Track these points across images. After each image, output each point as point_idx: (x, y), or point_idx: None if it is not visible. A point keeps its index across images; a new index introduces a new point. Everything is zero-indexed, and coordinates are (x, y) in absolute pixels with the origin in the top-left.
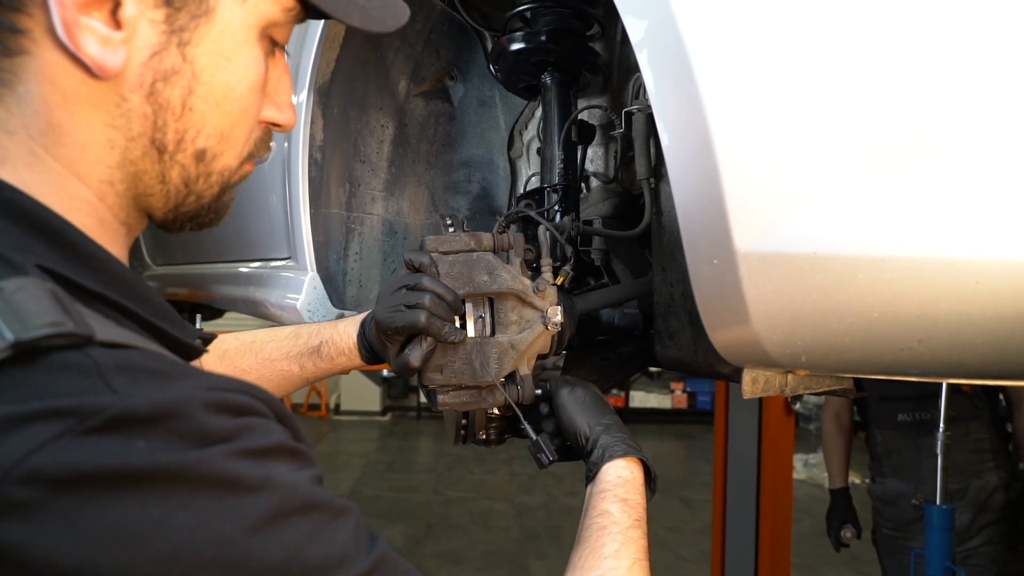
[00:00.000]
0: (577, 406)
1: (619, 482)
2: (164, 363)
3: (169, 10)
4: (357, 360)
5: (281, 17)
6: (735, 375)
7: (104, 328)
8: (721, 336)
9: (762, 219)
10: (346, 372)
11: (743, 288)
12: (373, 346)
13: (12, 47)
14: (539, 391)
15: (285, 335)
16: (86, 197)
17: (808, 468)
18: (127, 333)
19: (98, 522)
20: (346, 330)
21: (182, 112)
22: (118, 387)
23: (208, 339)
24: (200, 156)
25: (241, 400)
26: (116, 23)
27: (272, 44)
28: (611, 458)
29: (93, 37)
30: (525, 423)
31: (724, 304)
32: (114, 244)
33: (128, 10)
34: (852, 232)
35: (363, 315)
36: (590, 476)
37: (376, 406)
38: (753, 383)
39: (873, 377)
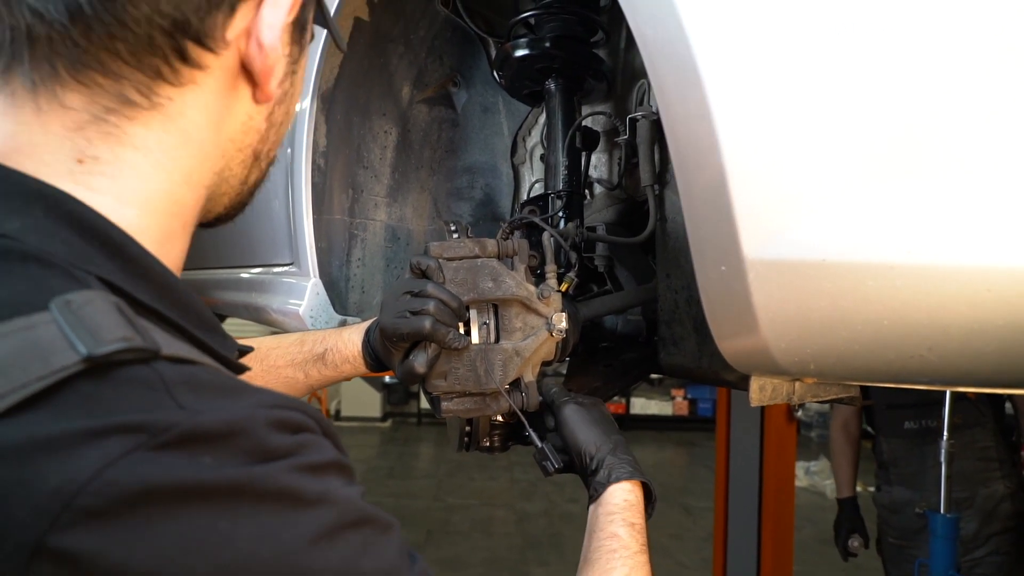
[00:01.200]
0: (584, 423)
1: (626, 505)
2: (225, 379)
3: (293, 47)
4: (362, 367)
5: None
6: (740, 382)
7: (167, 343)
8: (729, 344)
9: (771, 226)
10: (350, 379)
11: (751, 295)
12: (378, 353)
13: (185, 79)
14: (542, 397)
15: (290, 342)
16: (187, 203)
17: (810, 475)
18: (187, 347)
19: (168, 534)
20: (351, 337)
21: (280, 127)
22: (184, 403)
23: (245, 351)
24: (271, 161)
25: (297, 418)
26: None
27: None
28: (618, 480)
29: (276, 76)
30: (530, 430)
31: (732, 311)
32: (184, 244)
33: (281, 51)
34: (861, 239)
35: (367, 322)
36: (594, 496)
37: (377, 412)
38: (760, 391)
39: (881, 385)
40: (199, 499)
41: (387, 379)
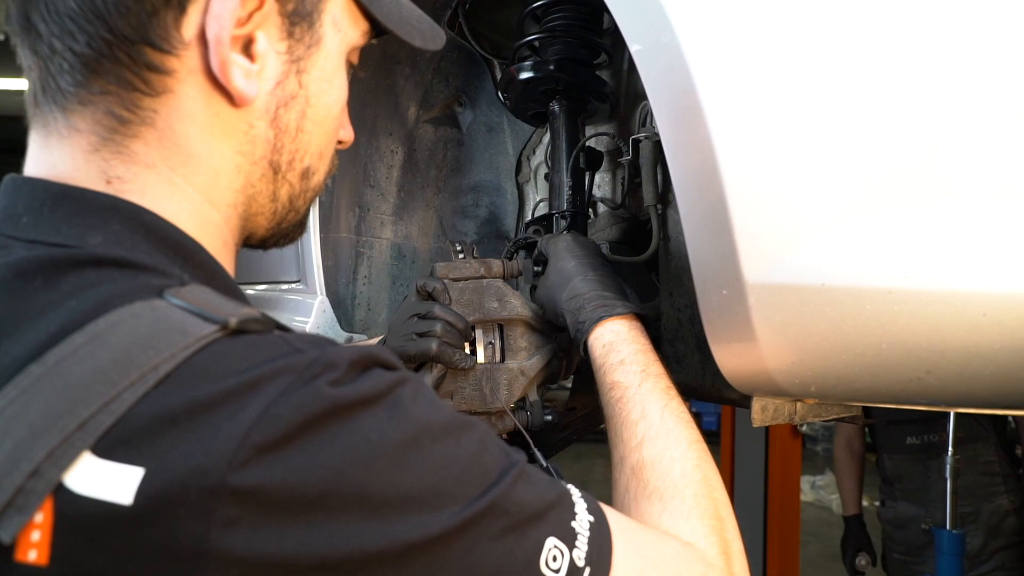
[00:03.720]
0: (554, 282)
1: (611, 347)
2: (319, 335)
3: (291, 41)
4: None
5: (360, 40)
6: (743, 401)
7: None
8: (730, 365)
9: (771, 250)
10: None
11: (752, 318)
12: None
13: (157, 87)
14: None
15: None
16: (216, 221)
17: (815, 490)
18: None
19: (332, 451)
20: None
21: (296, 134)
22: (301, 347)
23: None
24: (304, 174)
25: (392, 360)
26: (250, 57)
27: (349, 66)
28: (599, 320)
29: (239, 71)
30: (535, 449)
31: (733, 334)
32: (228, 264)
33: (260, 45)
34: (861, 264)
35: (375, 341)
36: (578, 341)
37: None
38: (763, 411)
39: (881, 406)
40: (348, 411)
41: None
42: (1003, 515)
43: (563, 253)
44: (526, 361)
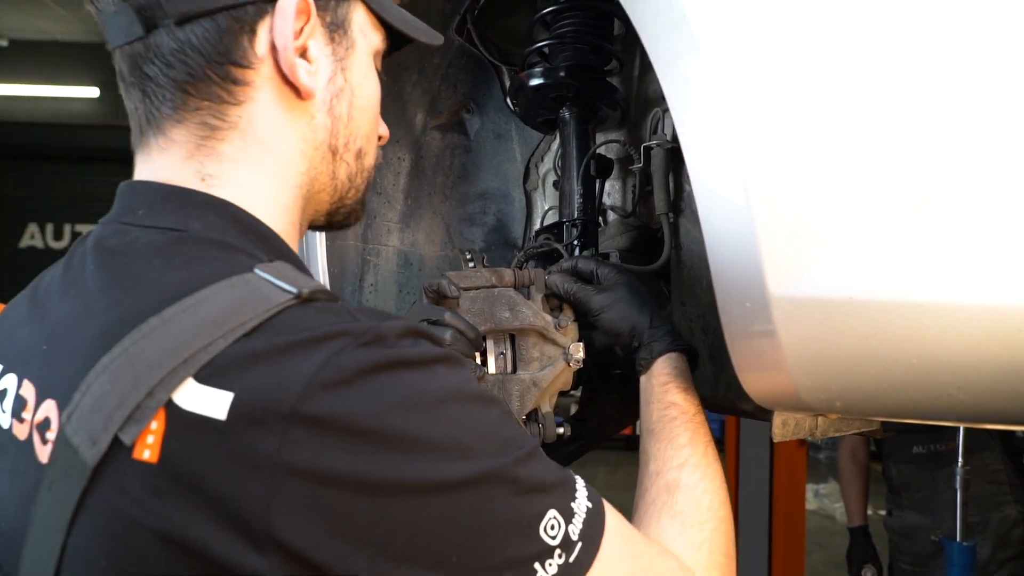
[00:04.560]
0: (618, 305)
1: (677, 373)
2: (375, 309)
3: (333, 46)
4: None
5: (381, 45)
6: (756, 412)
7: None
8: (752, 379)
9: (797, 263)
10: None
11: (777, 332)
12: None
13: (240, 97)
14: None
15: None
16: (287, 204)
17: (819, 498)
18: None
19: (380, 393)
20: None
21: (348, 120)
22: (360, 318)
23: None
24: (358, 154)
25: (437, 336)
26: (307, 60)
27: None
28: (661, 353)
29: (303, 70)
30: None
31: (756, 348)
32: (293, 242)
33: (313, 50)
34: (890, 277)
35: None
36: (642, 369)
37: None
38: (784, 426)
39: (907, 421)
40: (393, 369)
41: None
42: (1011, 525)
43: (629, 279)
44: (538, 372)
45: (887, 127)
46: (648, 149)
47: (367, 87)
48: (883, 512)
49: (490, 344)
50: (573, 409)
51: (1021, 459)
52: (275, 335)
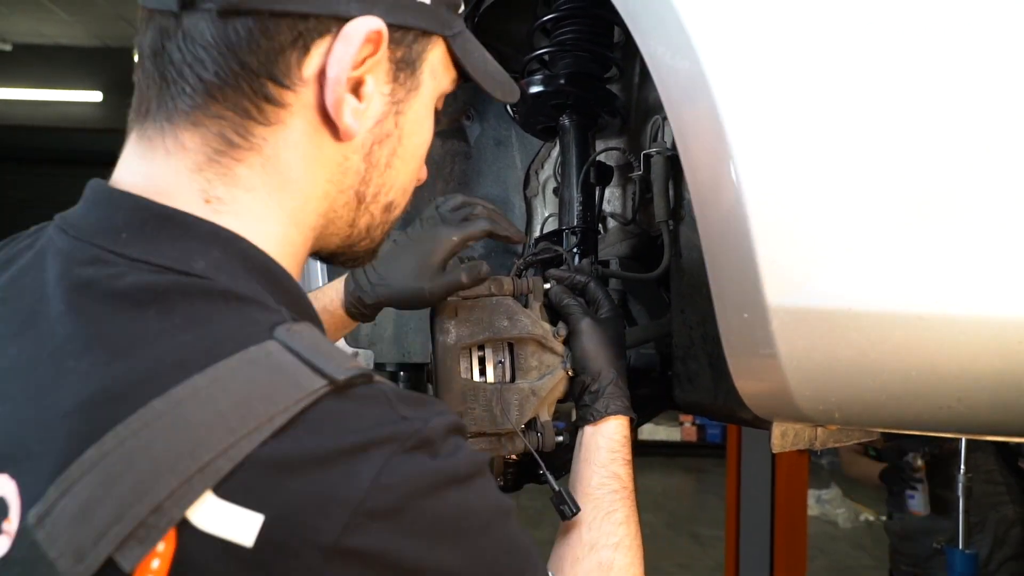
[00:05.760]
0: (595, 343)
1: (624, 442)
2: (408, 392)
3: (395, 85)
4: (340, 312)
5: (450, 88)
6: (756, 421)
7: None
8: (750, 389)
9: (795, 273)
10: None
11: (775, 343)
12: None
13: (271, 118)
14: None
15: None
16: (296, 243)
17: (821, 504)
18: None
19: (431, 519)
20: (332, 285)
21: (385, 169)
22: (404, 414)
23: None
24: (387, 207)
25: (460, 422)
26: (358, 96)
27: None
28: (616, 413)
29: (349, 109)
30: (546, 472)
31: (754, 358)
32: (297, 275)
33: (368, 87)
34: (889, 289)
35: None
36: (589, 420)
37: None
38: (783, 437)
39: (906, 432)
40: (440, 491)
41: None
42: (1008, 525)
43: (616, 317)
44: (537, 381)
45: (886, 138)
46: (648, 156)
47: (419, 135)
48: (884, 518)
49: (488, 353)
50: (573, 415)
51: (1016, 460)
52: (310, 437)
